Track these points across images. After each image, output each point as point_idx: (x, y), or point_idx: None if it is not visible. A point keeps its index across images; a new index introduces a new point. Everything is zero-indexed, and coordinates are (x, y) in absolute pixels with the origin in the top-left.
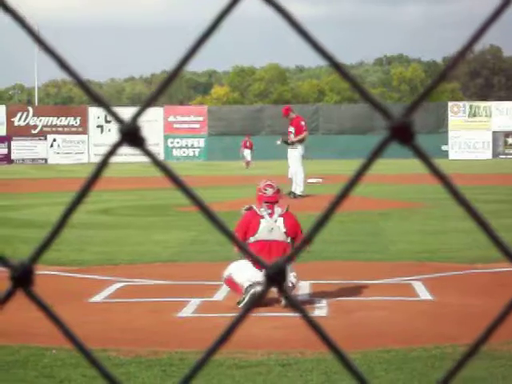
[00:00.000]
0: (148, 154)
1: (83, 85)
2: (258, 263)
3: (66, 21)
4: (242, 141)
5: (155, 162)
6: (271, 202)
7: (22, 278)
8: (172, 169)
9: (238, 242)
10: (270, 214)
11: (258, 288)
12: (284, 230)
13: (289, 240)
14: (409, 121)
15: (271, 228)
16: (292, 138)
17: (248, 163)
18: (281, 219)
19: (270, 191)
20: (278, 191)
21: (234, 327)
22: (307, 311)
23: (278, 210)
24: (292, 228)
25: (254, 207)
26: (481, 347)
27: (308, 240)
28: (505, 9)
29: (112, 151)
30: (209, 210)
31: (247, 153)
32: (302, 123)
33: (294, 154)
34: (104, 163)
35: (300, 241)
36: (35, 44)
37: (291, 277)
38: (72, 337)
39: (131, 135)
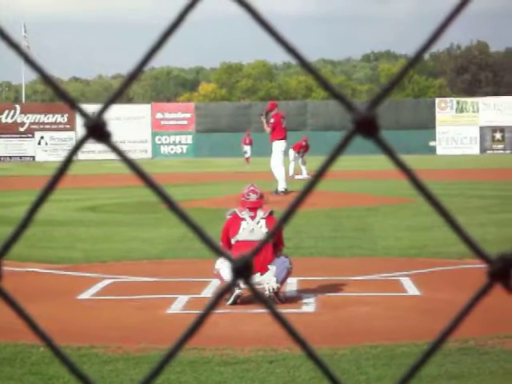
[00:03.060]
0: (114, 149)
1: (48, 80)
2: (226, 259)
3: (54, 17)
4: (242, 137)
5: (122, 158)
6: (254, 208)
7: None
8: (139, 164)
9: (204, 237)
10: (252, 217)
11: (241, 289)
12: (266, 230)
13: (270, 241)
14: (372, 114)
15: (252, 229)
16: (269, 130)
17: (248, 159)
18: (263, 221)
19: (253, 197)
20: (261, 196)
21: (201, 322)
22: (274, 306)
23: (260, 212)
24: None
25: (236, 211)
26: (444, 343)
27: (272, 234)
28: (465, 5)
29: (78, 146)
30: (175, 204)
31: (247, 149)
32: (271, 120)
33: (273, 149)
34: (70, 159)
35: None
36: (21, 40)
37: (272, 282)
38: (41, 333)
39: (97, 130)
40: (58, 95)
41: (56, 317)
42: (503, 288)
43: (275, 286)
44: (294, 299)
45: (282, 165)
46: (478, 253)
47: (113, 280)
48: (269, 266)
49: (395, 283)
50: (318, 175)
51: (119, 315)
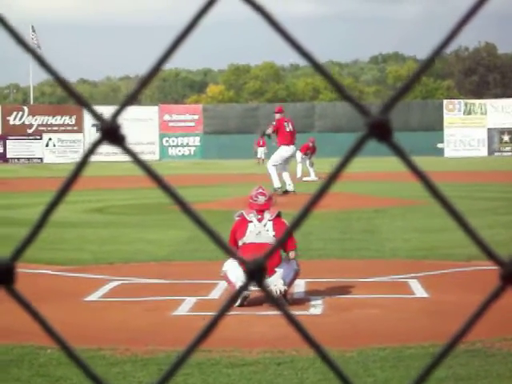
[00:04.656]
0: (128, 152)
1: (64, 84)
2: (239, 261)
3: (62, 20)
4: (255, 139)
5: (136, 160)
6: (261, 210)
7: (3, 277)
8: (153, 168)
9: (218, 239)
10: (260, 219)
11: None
12: (273, 233)
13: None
14: (386, 118)
15: (259, 231)
16: (270, 131)
17: (261, 160)
18: (270, 223)
19: (261, 199)
20: (269, 199)
21: (215, 324)
22: (288, 309)
23: (267, 215)
24: (280, 232)
25: (244, 213)
26: (456, 346)
27: (286, 237)
28: (481, 6)
29: (92, 149)
30: (190, 208)
31: (261, 151)
32: (273, 123)
33: (276, 152)
34: (84, 162)
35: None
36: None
37: (280, 284)
38: (56, 335)
39: (111, 133)
40: (73, 98)
41: (64, 318)
42: None
43: (282, 288)
44: (301, 301)
45: (274, 166)
46: (490, 255)
47: (120, 282)
48: (276, 269)
49: (403, 285)
50: (332, 178)
51: (127, 317)
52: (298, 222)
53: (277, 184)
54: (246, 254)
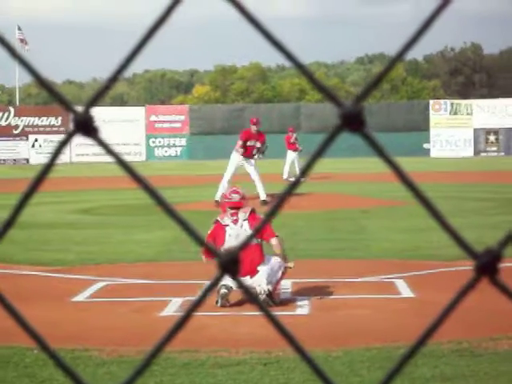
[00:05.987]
0: (101, 143)
1: (32, 71)
2: (213, 254)
3: (49, 21)
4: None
5: (109, 152)
6: (235, 208)
7: None
8: (124, 159)
9: (191, 231)
10: (235, 221)
11: (227, 289)
12: (250, 231)
13: (258, 241)
14: (358, 108)
15: (237, 234)
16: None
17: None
18: (246, 223)
19: (235, 197)
20: (243, 198)
21: (188, 317)
22: (262, 303)
23: (241, 215)
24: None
25: (218, 219)
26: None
27: (259, 228)
28: (443, 9)
29: (65, 141)
30: (157, 194)
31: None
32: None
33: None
34: (58, 152)
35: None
36: (14, 44)
37: (263, 284)
38: (36, 336)
39: (84, 125)
40: (43, 88)
41: (50, 319)
42: (490, 282)
43: (266, 288)
44: (287, 302)
45: (229, 175)
46: (465, 247)
47: (107, 282)
48: (258, 268)
49: (390, 285)
50: (308, 166)
51: (113, 318)
52: (274, 210)
53: (219, 194)
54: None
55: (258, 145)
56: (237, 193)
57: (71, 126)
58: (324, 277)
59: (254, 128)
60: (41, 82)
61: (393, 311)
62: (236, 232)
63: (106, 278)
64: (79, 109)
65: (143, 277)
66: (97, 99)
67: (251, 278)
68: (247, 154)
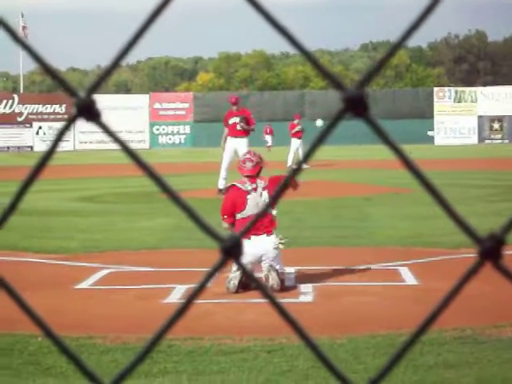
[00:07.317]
0: (103, 127)
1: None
2: (214, 238)
3: (52, 8)
4: (263, 127)
5: (112, 136)
6: (251, 176)
7: None
8: (128, 144)
9: (195, 215)
10: (255, 189)
11: (236, 277)
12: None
13: (274, 211)
14: (361, 92)
15: (256, 203)
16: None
17: (269, 148)
18: (265, 192)
19: (248, 165)
20: (257, 164)
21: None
22: (266, 288)
23: (260, 183)
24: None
25: (237, 184)
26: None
27: (268, 206)
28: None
29: (68, 125)
30: (169, 187)
31: (268, 138)
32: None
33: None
34: (60, 136)
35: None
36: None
37: (276, 278)
38: (41, 323)
39: (87, 109)
40: (47, 73)
41: (54, 307)
42: (493, 267)
43: (278, 281)
44: (291, 289)
45: (225, 162)
46: (469, 232)
47: (110, 270)
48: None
49: (393, 272)
50: (314, 146)
51: (117, 305)
52: (278, 194)
53: (221, 183)
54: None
55: (238, 120)
56: (250, 160)
57: (73, 110)
58: (328, 264)
59: (234, 108)
60: (44, 66)
61: (397, 298)
62: (256, 200)
63: (109, 266)
64: (82, 94)
65: (147, 264)
66: (99, 83)
67: (267, 236)
68: (232, 133)
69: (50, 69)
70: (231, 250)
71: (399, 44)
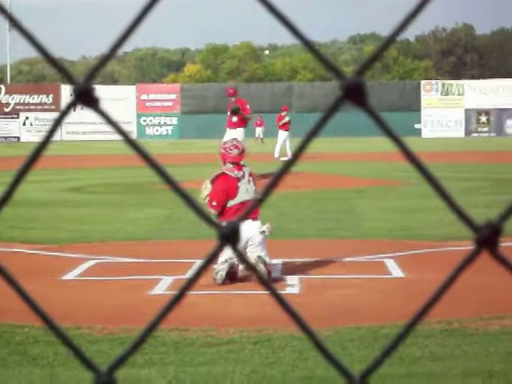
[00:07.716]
0: (102, 114)
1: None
2: (214, 226)
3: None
4: (254, 120)
5: (110, 123)
6: (236, 163)
7: None
8: (126, 131)
9: (194, 205)
10: (242, 176)
11: (224, 268)
12: (254, 187)
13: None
14: (360, 80)
15: (246, 189)
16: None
17: (262, 140)
18: (251, 179)
19: (234, 152)
20: (242, 151)
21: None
22: (264, 277)
23: (246, 169)
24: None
25: (226, 172)
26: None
27: (260, 200)
28: None
29: (66, 111)
30: (166, 173)
31: (259, 130)
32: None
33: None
34: (59, 122)
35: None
36: (5, 21)
37: (263, 268)
38: (42, 314)
39: (85, 95)
40: (47, 60)
41: (40, 297)
42: (490, 255)
43: (265, 272)
44: (278, 281)
45: None
46: (466, 220)
47: (97, 261)
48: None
49: (379, 265)
50: (310, 136)
51: (104, 296)
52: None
53: None
54: (236, 213)
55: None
56: (236, 147)
57: (71, 96)
58: (314, 256)
59: (232, 100)
60: (44, 53)
61: (383, 291)
62: (246, 187)
63: (96, 257)
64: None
65: (134, 255)
66: (98, 69)
67: (253, 221)
68: (229, 124)
69: (50, 56)
70: (229, 236)
71: (396, 34)
